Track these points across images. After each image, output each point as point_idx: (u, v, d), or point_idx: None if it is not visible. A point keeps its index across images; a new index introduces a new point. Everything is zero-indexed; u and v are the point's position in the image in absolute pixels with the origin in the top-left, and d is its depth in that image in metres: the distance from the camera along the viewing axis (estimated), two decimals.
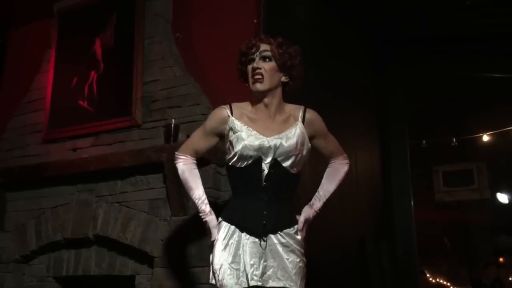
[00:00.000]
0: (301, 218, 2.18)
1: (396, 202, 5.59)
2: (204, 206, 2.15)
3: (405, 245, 5.46)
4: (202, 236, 2.95)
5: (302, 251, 2.12)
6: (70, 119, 3.74)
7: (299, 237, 2.13)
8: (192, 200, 2.19)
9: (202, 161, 3.00)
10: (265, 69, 2.13)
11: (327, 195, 2.27)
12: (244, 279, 2.02)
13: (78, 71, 3.81)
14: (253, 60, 2.16)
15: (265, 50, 2.15)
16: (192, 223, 3.01)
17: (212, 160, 3.01)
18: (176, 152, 2.27)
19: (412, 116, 6.17)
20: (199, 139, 2.25)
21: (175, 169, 2.98)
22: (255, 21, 3.33)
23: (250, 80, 2.15)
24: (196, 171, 2.23)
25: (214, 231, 2.11)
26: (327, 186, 2.28)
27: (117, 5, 3.77)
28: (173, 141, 3.13)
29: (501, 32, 5.36)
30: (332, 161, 2.32)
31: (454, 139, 7.31)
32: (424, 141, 7.30)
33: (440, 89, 6.87)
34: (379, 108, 5.78)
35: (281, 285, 2.02)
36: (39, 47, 4.12)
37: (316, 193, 2.27)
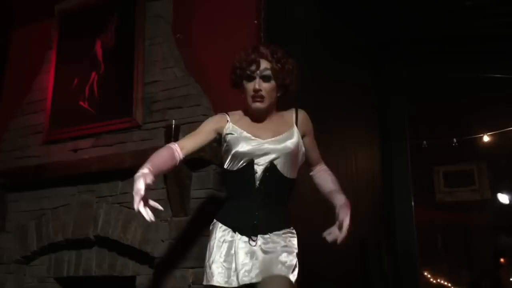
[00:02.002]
0: (339, 208, 2.16)
1: (397, 203, 5.59)
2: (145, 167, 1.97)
3: (406, 246, 5.46)
4: (203, 237, 2.96)
5: (294, 251, 2.12)
6: (71, 120, 3.74)
7: (290, 239, 2.14)
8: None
9: (202, 162, 3.02)
10: (266, 90, 2.15)
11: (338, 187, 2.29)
12: (235, 279, 2.04)
13: (79, 72, 3.81)
14: (253, 78, 2.15)
15: (266, 69, 2.14)
16: (192, 224, 3.01)
17: (212, 161, 3.02)
18: None
19: (413, 117, 6.17)
20: (190, 137, 2.26)
21: (175, 170, 3.01)
22: (255, 21, 3.33)
23: (249, 99, 2.17)
24: (172, 160, 2.11)
25: (141, 188, 1.88)
26: (340, 195, 2.26)
27: (117, 6, 3.77)
28: (173, 141, 3.12)
29: (502, 32, 5.36)
30: (316, 169, 2.37)
31: (455, 140, 7.31)
32: (424, 142, 7.31)
33: (441, 90, 6.87)
34: (379, 108, 5.79)
35: (270, 274, 2.02)
36: (40, 48, 4.12)
37: (330, 194, 2.28)
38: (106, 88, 3.67)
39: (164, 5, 3.67)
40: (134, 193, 1.89)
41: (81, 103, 3.74)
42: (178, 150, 2.15)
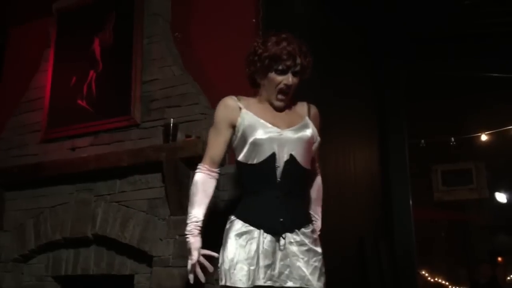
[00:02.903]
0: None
1: (395, 202, 5.60)
2: (193, 226, 2.11)
3: (404, 245, 5.46)
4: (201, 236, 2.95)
5: (319, 250, 2.09)
6: (69, 119, 3.73)
7: (315, 235, 2.11)
8: (188, 214, 2.15)
9: (201, 161, 3.01)
10: (294, 85, 2.12)
11: (320, 215, 2.35)
12: (259, 278, 1.98)
13: (77, 70, 3.81)
14: (286, 72, 2.09)
15: (298, 65, 2.10)
16: None
17: None
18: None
19: (411, 115, 6.17)
20: (212, 145, 2.19)
21: (173, 169, 3.01)
22: (254, 20, 3.33)
23: (275, 92, 2.11)
24: (209, 186, 2.17)
25: (195, 253, 2.08)
26: (318, 208, 2.35)
27: (116, 4, 3.77)
28: (172, 140, 3.13)
29: (500, 31, 5.36)
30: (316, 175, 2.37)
31: (453, 139, 7.31)
32: (422, 140, 7.30)
33: (439, 88, 6.88)
34: (378, 107, 5.79)
35: (298, 285, 1.99)
36: (38, 46, 4.11)
37: (311, 203, 2.34)
38: (104, 87, 3.67)
39: (162, 3, 3.67)
40: (188, 271, 2.10)
41: (79, 101, 3.74)
42: (210, 170, 2.17)
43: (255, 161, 2.06)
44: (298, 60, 2.09)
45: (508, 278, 8.72)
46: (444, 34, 5.49)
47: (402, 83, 5.93)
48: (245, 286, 1.96)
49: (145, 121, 3.43)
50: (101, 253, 3.38)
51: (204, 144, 2.93)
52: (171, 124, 3.15)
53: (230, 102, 2.16)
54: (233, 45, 3.36)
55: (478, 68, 5.89)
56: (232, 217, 2.10)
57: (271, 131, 2.06)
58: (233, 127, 2.13)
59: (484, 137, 7.33)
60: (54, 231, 3.52)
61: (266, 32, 3.11)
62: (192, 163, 3.02)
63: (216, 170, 2.18)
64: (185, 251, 2.93)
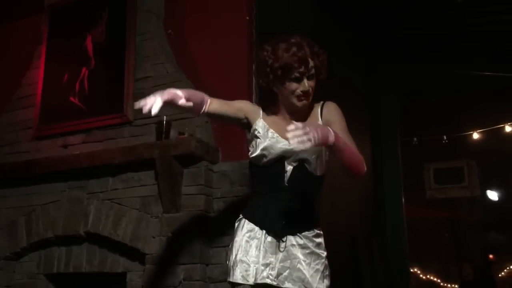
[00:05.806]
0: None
1: (387, 200, 5.62)
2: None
3: (396, 242, 5.49)
4: (194, 234, 2.95)
5: (323, 254, 2.09)
6: (61, 116, 3.71)
7: (319, 240, 2.10)
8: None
9: (193, 158, 3.02)
10: (312, 88, 2.09)
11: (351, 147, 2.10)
12: (253, 274, 2.01)
13: (69, 67, 3.79)
14: (300, 79, 2.06)
15: (312, 68, 2.07)
16: (184, 220, 3.01)
17: (204, 157, 3.02)
18: None
19: (404, 114, 6.20)
20: (221, 102, 2.20)
21: (166, 166, 3.00)
22: (247, 18, 3.33)
23: (294, 99, 2.08)
24: (202, 98, 2.15)
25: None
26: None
27: (108, 1, 3.75)
28: (164, 138, 3.12)
29: (492, 30, 5.39)
30: None
31: (445, 137, 7.35)
32: (415, 139, 7.34)
33: (432, 87, 6.91)
34: (371, 106, 5.81)
35: (297, 287, 2.00)
36: (30, 43, 4.09)
37: None
38: (97, 84, 3.65)
39: (155, 0, 3.65)
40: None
41: (72, 98, 3.72)
42: (208, 102, 2.13)
43: (264, 165, 2.10)
44: (311, 64, 2.07)
45: (500, 275, 8.78)
46: (438, 33, 5.51)
47: (395, 82, 5.96)
48: (244, 282, 2.00)
49: (138, 118, 3.42)
50: (93, 251, 3.37)
51: (197, 142, 2.95)
52: (164, 122, 3.15)
53: (255, 107, 2.24)
54: (226, 42, 3.36)
55: (471, 67, 5.92)
56: (240, 216, 2.15)
57: (279, 142, 2.08)
58: (246, 119, 2.18)
59: (476, 135, 7.37)
60: (46, 228, 3.50)
61: (262, 33, 3.13)
62: (185, 161, 3.03)
63: (207, 110, 2.14)
64: (176, 248, 2.96)
